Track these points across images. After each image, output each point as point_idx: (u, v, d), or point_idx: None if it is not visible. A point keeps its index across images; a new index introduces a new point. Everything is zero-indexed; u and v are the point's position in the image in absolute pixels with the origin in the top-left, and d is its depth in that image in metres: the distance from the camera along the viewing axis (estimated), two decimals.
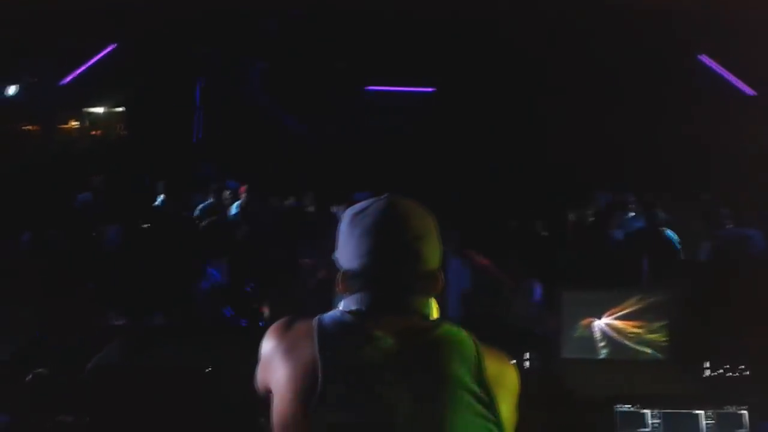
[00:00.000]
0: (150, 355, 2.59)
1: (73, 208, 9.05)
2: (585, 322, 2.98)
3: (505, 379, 1.65)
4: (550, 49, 11.61)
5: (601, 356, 2.97)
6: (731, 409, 2.55)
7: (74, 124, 14.49)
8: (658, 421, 2.55)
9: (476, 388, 1.56)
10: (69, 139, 13.95)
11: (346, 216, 1.76)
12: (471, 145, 12.45)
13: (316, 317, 1.66)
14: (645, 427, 2.55)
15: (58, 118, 13.55)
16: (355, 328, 1.63)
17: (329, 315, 1.68)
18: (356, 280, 1.69)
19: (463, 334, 1.65)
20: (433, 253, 1.71)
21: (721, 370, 2.92)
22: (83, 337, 2.85)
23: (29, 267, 5.12)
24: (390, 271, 1.68)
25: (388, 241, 1.68)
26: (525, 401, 1.66)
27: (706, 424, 2.55)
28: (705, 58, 11.83)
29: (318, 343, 1.58)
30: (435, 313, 1.74)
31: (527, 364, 2.88)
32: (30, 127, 12.93)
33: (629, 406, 2.56)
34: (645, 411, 2.55)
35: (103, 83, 12.29)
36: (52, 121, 13.24)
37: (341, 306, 1.71)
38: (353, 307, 1.68)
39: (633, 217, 9.02)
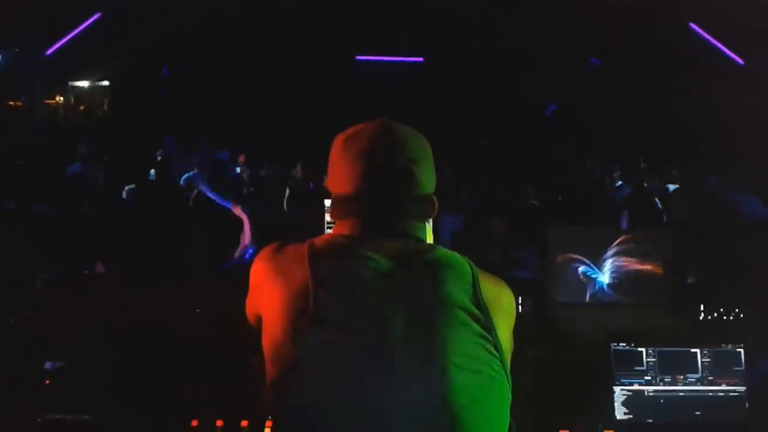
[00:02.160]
0: (137, 300, 2.53)
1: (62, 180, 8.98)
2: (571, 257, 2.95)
3: (502, 302, 1.60)
4: (539, 18, 11.54)
5: (594, 300, 2.94)
6: (728, 347, 2.53)
7: (59, 98, 14.37)
8: (654, 359, 2.52)
9: (473, 308, 1.51)
10: (54, 111, 13.83)
11: (337, 141, 1.69)
12: (460, 116, 12.40)
13: (308, 240, 1.60)
14: (641, 366, 2.52)
15: (44, 89, 13.38)
16: (349, 250, 1.56)
17: (321, 238, 1.63)
18: (349, 204, 1.63)
19: (459, 258, 1.60)
20: (428, 177, 1.66)
21: (716, 314, 2.89)
22: (70, 281, 2.79)
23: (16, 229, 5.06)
24: (384, 194, 1.61)
25: (382, 163, 1.61)
26: (519, 343, 1.62)
27: (703, 362, 2.52)
28: (695, 27, 11.79)
29: (310, 264, 1.52)
30: (430, 239, 1.69)
31: (520, 308, 2.85)
32: (14, 102, 12.79)
33: (625, 344, 2.53)
34: (641, 349, 2.52)
35: (88, 54, 12.13)
36: (38, 92, 13.07)
37: (334, 230, 1.66)
38: (346, 232, 1.62)
39: (620, 186, 9.09)
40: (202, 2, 11.53)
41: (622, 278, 2.97)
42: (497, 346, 1.51)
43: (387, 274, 1.51)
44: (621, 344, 2.53)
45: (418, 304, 1.49)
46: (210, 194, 6.44)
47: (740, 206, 6.55)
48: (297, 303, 1.49)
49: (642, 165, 10.07)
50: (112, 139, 11.27)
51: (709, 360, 2.52)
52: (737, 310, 2.90)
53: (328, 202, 1.72)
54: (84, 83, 14.51)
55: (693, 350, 2.52)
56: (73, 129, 13.06)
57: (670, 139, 10.92)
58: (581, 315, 2.87)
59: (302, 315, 1.46)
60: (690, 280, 3.16)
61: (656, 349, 2.52)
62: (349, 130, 1.69)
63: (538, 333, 2.69)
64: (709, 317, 2.85)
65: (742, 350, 2.53)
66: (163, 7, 11.11)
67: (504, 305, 1.60)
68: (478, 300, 1.52)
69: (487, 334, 1.50)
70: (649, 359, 2.52)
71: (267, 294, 1.57)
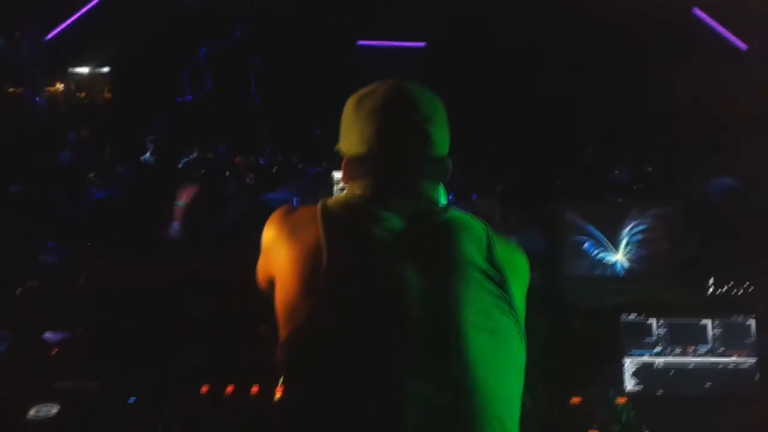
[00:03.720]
0: (143, 266, 2.51)
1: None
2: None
3: (516, 263, 1.58)
4: (541, 4, 11.50)
5: (605, 273, 2.92)
6: (738, 319, 2.51)
7: (59, 85, 14.31)
8: (664, 330, 2.51)
9: (487, 267, 1.49)
10: (54, 98, 13.77)
11: (351, 100, 1.67)
12: (461, 101, 12.34)
13: (320, 201, 1.58)
14: (651, 337, 2.51)
15: (44, 75, 13.33)
16: (362, 209, 1.55)
17: (334, 199, 1.60)
18: (362, 165, 1.61)
19: (473, 219, 1.58)
20: (442, 138, 1.63)
21: (727, 287, 2.87)
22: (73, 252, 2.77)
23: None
24: (398, 153, 1.59)
25: (396, 123, 1.59)
26: (529, 314, 1.60)
27: (713, 333, 2.51)
28: (698, 12, 11.75)
29: (322, 224, 1.50)
30: (444, 200, 1.67)
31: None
32: (14, 89, 12.74)
33: (635, 315, 2.51)
34: (651, 320, 2.51)
35: (88, 40, 12.08)
36: (37, 78, 13.03)
37: (347, 191, 1.64)
38: (359, 192, 1.60)
39: (617, 174, 9.07)
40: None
41: (634, 253, 2.96)
42: (512, 305, 1.50)
43: (401, 233, 1.49)
44: (631, 315, 2.51)
45: (432, 263, 1.47)
46: None
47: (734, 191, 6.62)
48: (309, 261, 1.46)
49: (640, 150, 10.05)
50: (111, 126, 11.24)
51: (719, 331, 2.51)
52: (747, 283, 2.88)
53: (338, 174, 1.68)
54: (84, 69, 14.43)
55: (703, 321, 2.51)
56: (73, 115, 13.04)
57: (671, 123, 10.88)
58: (591, 287, 2.85)
59: (315, 273, 1.44)
60: (694, 253, 3.13)
61: (666, 321, 2.51)
62: (363, 90, 1.66)
63: (548, 304, 2.66)
64: (719, 290, 2.82)
65: (753, 322, 2.51)
66: None
67: (518, 267, 1.58)
68: (492, 260, 1.50)
69: (502, 293, 1.49)
70: (659, 330, 2.51)
71: (279, 254, 1.54)
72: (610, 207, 3.03)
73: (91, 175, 7.89)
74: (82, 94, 14.90)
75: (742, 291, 2.79)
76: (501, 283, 1.49)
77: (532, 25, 11.94)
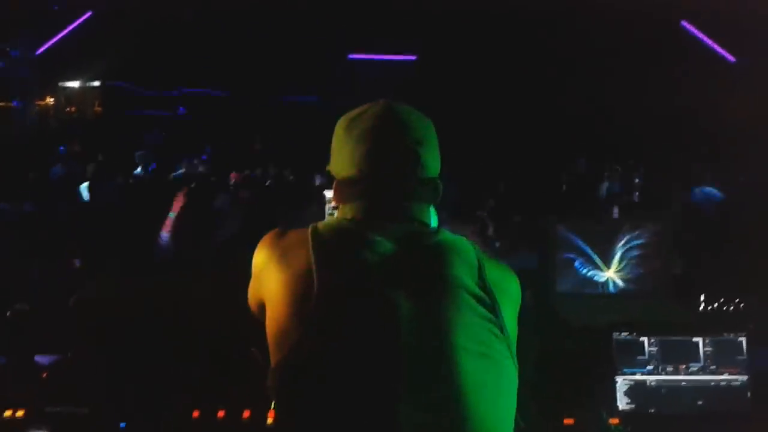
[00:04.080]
0: (134, 288, 2.50)
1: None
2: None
3: (508, 285, 1.58)
4: (532, 17, 11.56)
5: (600, 284, 2.93)
6: (729, 336, 2.52)
7: (50, 99, 14.29)
8: (656, 348, 2.51)
9: (478, 291, 1.48)
10: (45, 112, 13.76)
11: (341, 122, 1.66)
12: (451, 114, 12.38)
13: (311, 225, 1.58)
14: (643, 355, 2.51)
15: (34, 89, 13.32)
16: (352, 233, 1.54)
17: (324, 222, 1.60)
18: (353, 187, 1.60)
19: (465, 242, 1.57)
20: (433, 159, 1.63)
21: (717, 303, 2.88)
22: (65, 271, 2.76)
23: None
24: (389, 176, 1.58)
25: (387, 145, 1.58)
26: (521, 332, 1.60)
27: (705, 351, 2.51)
28: (687, 25, 11.84)
29: (313, 248, 1.49)
30: (434, 222, 1.66)
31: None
32: (5, 103, 12.72)
33: (627, 333, 2.51)
34: (643, 338, 2.51)
35: (79, 54, 12.07)
36: (28, 93, 13.01)
37: (337, 214, 1.63)
38: (349, 215, 1.59)
39: (609, 186, 9.10)
40: (192, 1, 11.49)
41: (626, 270, 2.96)
42: (503, 329, 1.49)
43: (392, 257, 1.49)
44: (623, 334, 2.51)
45: (423, 287, 1.46)
46: None
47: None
48: (300, 286, 1.45)
49: (630, 162, 10.08)
50: (101, 139, 11.23)
51: (711, 349, 2.51)
52: (738, 300, 2.88)
53: (329, 193, 1.68)
54: (75, 84, 14.42)
55: (695, 339, 2.51)
56: (63, 129, 13.02)
57: (660, 137, 10.94)
58: (583, 305, 2.85)
59: (306, 298, 1.43)
60: (680, 270, 3.14)
61: (658, 339, 2.51)
62: (353, 112, 1.65)
63: (540, 323, 2.67)
64: (710, 307, 2.83)
65: (743, 339, 2.52)
66: (153, 7, 11.08)
67: (509, 290, 1.58)
68: (483, 283, 1.50)
69: (493, 317, 1.48)
70: (651, 348, 2.51)
71: (270, 279, 1.53)
72: (602, 224, 3.02)
73: (84, 185, 7.89)
74: (73, 108, 14.88)
75: (732, 308, 2.79)
76: (492, 307, 1.49)
77: (523, 38, 12.02)
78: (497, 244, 5.01)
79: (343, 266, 1.48)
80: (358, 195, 1.60)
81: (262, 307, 1.58)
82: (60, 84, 14.21)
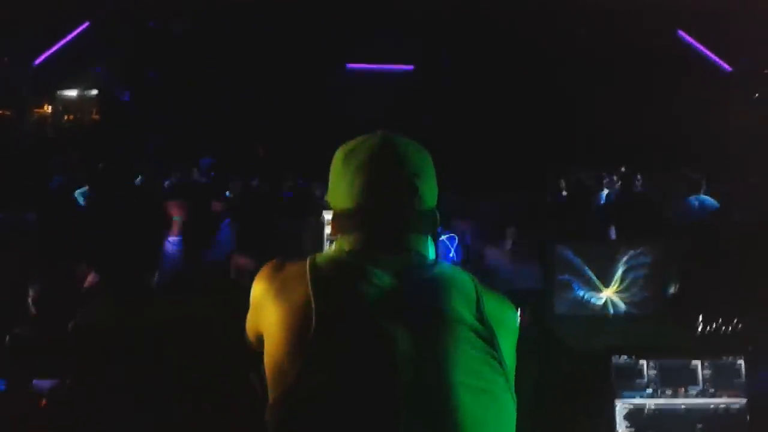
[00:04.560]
0: (135, 313, 2.50)
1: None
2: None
3: (506, 317, 1.59)
4: (527, 27, 11.60)
5: (598, 308, 2.93)
6: (728, 359, 2.52)
7: (47, 107, 14.29)
8: (655, 371, 2.51)
9: (476, 324, 1.49)
10: (42, 122, 13.76)
11: (338, 153, 1.67)
12: (449, 123, 12.42)
13: (309, 257, 1.58)
14: (642, 378, 2.51)
15: (32, 99, 13.32)
16: (350, 266, 1.54)
17: (322, 255, 1.60)
18: (350, 219, 1.60)
19: (462, 273, 1.58)
20: (430, 191, 1.64)
21: (715, 324, 2.89)
22: (64, 296, 2.75)
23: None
24: (387, 208, 1.59)
25: (384, 177, 1.59)
26: (519, 355, 1.60)
27: (703, 374, 2.51)
28: (683, 34, 11.88)
29: (311, 282, 1.50)
30: (432, 253, 1.67)
31: (519, 320, 2.84)
32: (2, 111, 12.72)
33: (626, 357, 2.51)
34: (642, 362, 2.51)
35: (77, 63, 12.08)
36: (26, 102, 13.01)
37: (335, 245, 1.64)
38: (347, 247, 1.60)
39: (607, 194, 9.11)
40: (190, 11, 11.51)
41: (624, 292, 2.96)
42: (502, 363, 1.50)
43: (390, 291, 1.49)
44: (622, 357, 2.52)
45: (421, 321, 1.47)
46: None
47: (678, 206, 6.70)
48: (298, 321, 1.46)
49: (622, 169, 10.09)
50: (99, 149, 11.22)
51: (709, 372, 2.51)
52: (736, 320, 2.89)
53: (328, 215, 1.69)
54: (72, 92, 14.42)
55: (693, 362, 2.51)
56: (60, 138, 13.01)
57: (658, 145, 10.96)
58: (581, 327, 2.86)
59: (304, 334, 1.43)
60: (675, 290, 3.14)
61: (657, 362, 2.51)
62: (350, 144, 1.67)
63: (538, 345, 2.67)
64: (708, 328, 2.84)
65: (742, 362, 2.52)
66: (151, 17, 11.10)
67: (507, 322, 1.59)
68: (481, 316, 1.51)
69: (492, 351, 1.49)
70: (650, 372, 2.51)
71: (268, 312, 1.54)
72: (601, 245, 3.03)
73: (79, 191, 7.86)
74: (70, 117, 14.88)
75: (731, 330, 2.80)
76: (490, 340, 1.49)
77: (519, 49, 12.04)
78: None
79: (341, 301, 1.48)
80: (355, 227, 1.60)
81: (260, 338, 1.59)
82: (57, 93, 14.22)
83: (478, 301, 1.52)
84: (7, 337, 2.46)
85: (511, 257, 4.87)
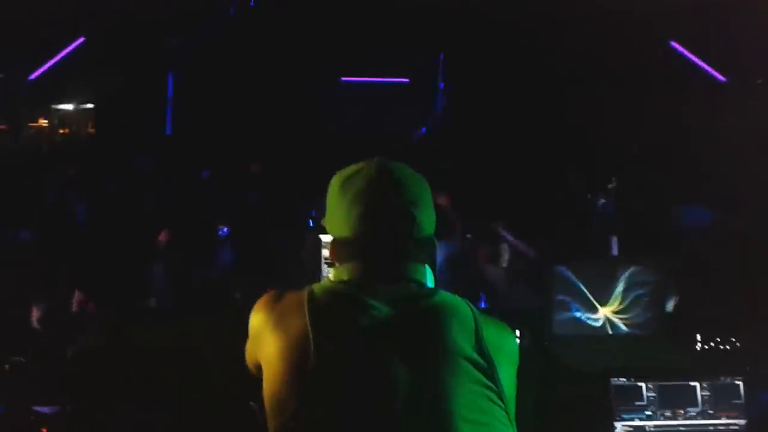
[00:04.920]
0: (132, 338, 2.50)
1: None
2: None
3: (505, 346, 1.59)
4: (522, 40, 11.65)
5: (596, 329, 2.94)
6: (727, 380, 2.53)
7: (43, 121, 14.29)
8: (654, 393, 2.52)
9: (475, 356, 1.49)
10: (38, 136, 13.74)
11: (335, 181, 1.67)
12: (447, 137, 12.47)
13: (306, 288, 1.58)
14: (641, 400, 2.52)
15: (27, 114, 13.31)
16: (348, 298, 1.54)
17: (320, 285, 1.60)
18: (348, 248, 1.61)
19: (461, 302, 1.58)
20: (428, 219, 1.64)
21: (713, 343, 2.90)
22: (60, 322, 2.75)
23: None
24: (384, 237, 1.59)
25: (381, 206, 1.60)
26: (519, 376, 1.61)
27: (702, 395, 2.52)
28: (676, 45, 11.94)
29: (309, 313, 1.50)
30: (431, 282, 1.67)
31: (518, 341, 2.84)
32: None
33: (625, 379, 2.52)
34: (641, 383, 2.52)
35: (72, 78, 12.09)
36: (21, 118, 13.01)
37: (333, 274, 1.64)
38: (345, 277, 1.60)
39: (605, 203, 9.08)
40: (184, 26, 11.54)
41: (623, 311, 2.97)
42: (502, 395, 1.50)
43: (388, 323, 1.50)
44: (621, 379, 2.53)
45: (420, 354, 1.47)
46: None
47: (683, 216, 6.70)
48: (296, 354, 1.46)
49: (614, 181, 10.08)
50: (95, 163, 11.21)
51: (708, 393, 2.52)
52: (734, 339, 2.90)
53: (325, 238, 1.70)
54: (68, 106, 14.43)
55: (692, 384, 2.53)
56: (56, 152, 13.00)
57: (651, 155, 10.99)
58: (579, 348, 2.86)
59: (302, 366, 1.44)
60: (674, 309, 3.15)
61: (656, 384, 2.52)
62: (347, 171, 1.67)
63: (537, 366, 2.67)
64: (707, 348, 2.84)
65: (741, 383, 2.53)
66: (146, 32, 11.13)
67: (507, 350, 1.59)
68: (481, 347, 1.51)
69: (491, 384, 1.49)
70: (649, 394, 2.52)
71: (266, 344, 1.54)
72: (599, 264, 3.04)
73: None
74: (66, 130, 14.88)
75: (729, 350, 2.81)
76: (490, 372, 1.49)
77: (514, 60, 12.09)
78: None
79: (339, 333, 1.49)
80: (353, 256, 1.60)
81: (259, 368, 1.59)
82: (53, 107, 14.22)
83: (477, 331, 1.52)
84: (7, 365, 2.45)
85: (510, 275, 4.86)
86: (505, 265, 5.25)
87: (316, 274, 2.66)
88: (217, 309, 3.34)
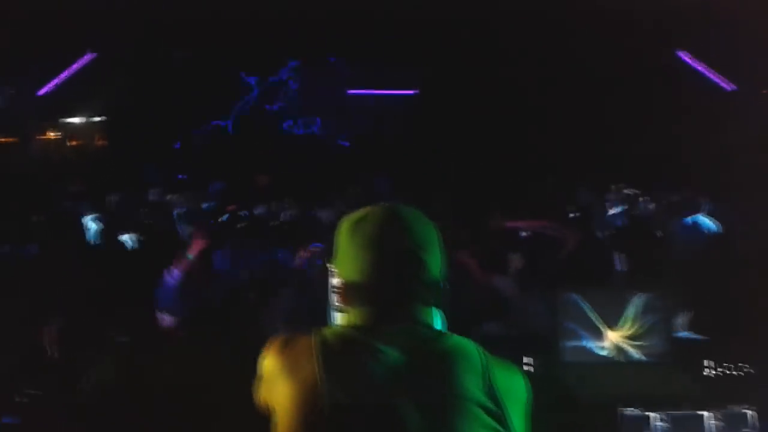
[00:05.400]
0: (145, 370, 2.52)
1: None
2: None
3: (515, 389, 1.60)
4: (530, 48, 11.67)
5: (604, 358, 2.94)
6: (736, 409, 2.53)
7: (52, 134, 14.36)
8: (663, 423, 2.52)
9: (486, 401, 1.51)
10: (47, 149, 13.80)
11: (344, 225, 1.69)
12: (453, 147, 12.47)
13: (317, 332, 1.60)
14: (650, 430, 2.52)
15: (37, 129, 13.38)
16: (358, 343, 1.57)
17: (331, 330, 1.63)
18: (358, 292, 1.63)
19: (471, 345, 1.60)
20: (436, 262, 1.66)
21: (722, 369, 2.89)
22: (74, 353, 2.77)
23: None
24: (393, 282, 1.62)
25: (390, 251, 1.62)
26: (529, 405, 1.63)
27: (713, 425, 2.53)
28: (683, 54, 11.94)
29: (320, 359, 1.52)
30: (440, 324, 1.69)
31: (528, 368, 2.85)
32: (7, 139, 12.78)
33: (634, 408, 2.53)
34: (650, 413, 2.53)
35: (81, 93, 12.16)
36: (31, 133, 13.07)
37: (343, 318, 1.66)
38: (355, 321, 1.62)
39: (610, 215, 9.04)
40: (192, 39, 11.61)
41: (633, 337, 2.96)
42: None
43: (399, 369, 1.51)
44: (630, 409, 2.53)
45: (431, 400, 1.49)
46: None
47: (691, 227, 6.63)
48: (308, 400, 1.48)
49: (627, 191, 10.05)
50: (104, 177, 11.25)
51: (719, 422, 2.52)
52: (747, 368, 2.89)
53: (333, 280, 1.72)
54: (76, 120, 14.51)
55: (703, 413, 2.53)
56: (65, 165, 13.07)
57: (658, 165, 10.97)
58: (590, 376, 2.86)
59: (313, 413, 1.46)
60: (684, 336, 3.15)
61: (665, 413, 2.53)
62: (356, 215, 1.69)
63: (546, 395, 2.67)
64: (717, 376, 2.84)
65: (751, 412, 2.53)
66: (155, 46, 11.20)
67: (517, 393, 1.60)
68: (491, 391, 1.52)
69: (503, 429, 1.50)
70: (658, 423, 2.52)
71: (277, 389, 1.56)
72: (610, 290, 3.04)
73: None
74: (74, 143, 14.94)
75: (739, 379, 2.80)
76: (500, 418, 1.51)
77: (522, 70, 12.10)
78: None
79: (350, 381, 1.51)
80: (363, 300, 1.63)
81: (270, 409, 1.61)
82: (62, 120, 14.30)
83: (487, 375, 1.54)
84: (20, 397, 2.47)
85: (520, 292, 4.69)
86: (514, 270, 5.03)
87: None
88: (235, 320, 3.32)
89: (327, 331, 1.61)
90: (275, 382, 1.57)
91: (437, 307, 1.68)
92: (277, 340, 1.65)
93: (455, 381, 1.51)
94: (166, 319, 3.88)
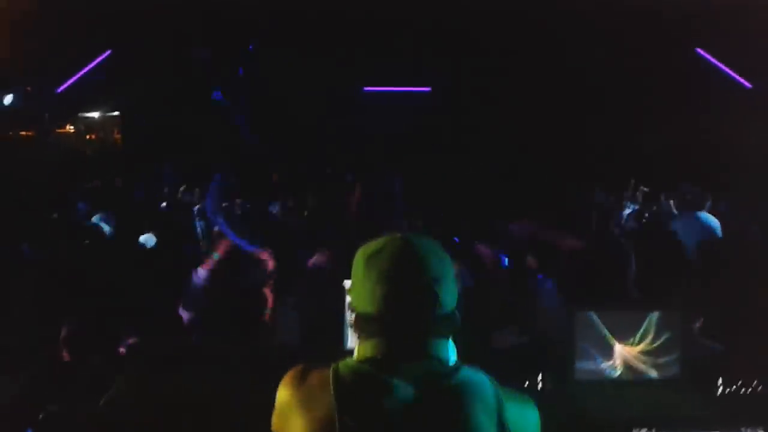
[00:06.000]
0: (169, 385, 2.54)
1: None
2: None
3: (527, 423, 1.64)
4: (546, 45, 11.61)
5: (615, 378, 2.94)
6: (749, 431, 2.54)
7: (70, 128, 14.48)
8: None
9: None
10: (65, 146, 13.91)
11: (360, 257, 1.73)
12: (466, 146, 12.46)
13: (332, 367, 1.64)
14: None
15: (55, 126, 13.50)
16: (372, 378, 1.60)
17: (345, 364, 1.66)
18: (372, 324, 1.66)
19: (483, 379, 1.63)
20: (450, 295, 1.69)
21: (735, 387, 2.89)
22: (95, 366, 2.80)
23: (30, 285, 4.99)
24: (407, 316, 1.65)
25: (405, 285, 1.65)
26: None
27: None
28: (702, 52, 11.84)
29: (335, 395, 1.56)
30: (453, 356, 1.72)
31: (540, 385, 2.86)
32: (26, 133, 12.88)
33: (647, 429, 2.54)
34: None
35: (99, 90, 12.25)
36: (49, 130, 13.18)
37: (357, 351, 1.69)
38: (369, 354, 1.65)
39: (628, 214, 8.98)
40: (209, 37, 11.65)
41: (646, 354, 2.97)
42: None
43: (413, 405, 1.55)
44: (642, 429, 2.54)
45: None
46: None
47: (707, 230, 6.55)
48: None
49: (632, 185, 9.98)
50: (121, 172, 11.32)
51: None
52: (756, 382, 2.89)
53: (350, 315, 1.75)
54: (94, 114, 14.62)
55: None
56: (83, 160, 13.19)
57: (675, 163, 10.90)
58: (601, 393, 2.87)
59: None
60: (698, 353, 3.14)
61: None
62: (371, 246, 1.72)
63: (558, 414, 2.69)
64: (728, 397, 2.84)
65: None
66: (171, 43, 11.25)
67: (529, 425, 1.64)
68: (503, 426, 1.56)
69: None
70: None
71: (292, 422, 1.61)
72: (624, 307, 3.03)
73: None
74: (92, 136, 15.07)
75: (752, 398, 2.81)
76: None
77: (536, 68, 12.05)
78: None
79: (364, 415, 1.54)
80: (377, 332, 1.66)
81: None
82: (80, 115, 14.42)
83: (500, 410, 1.57)
84: (41, 415, 2.50)
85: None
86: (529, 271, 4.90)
87: None
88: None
89: (342, 365, 1.64)
90: (290, 415, 1.62)
91: (450, 337, 1.72)
92: (292, 373, 1.69)
93: (469, 417, 1.54)
94: (191, 321, 3.90)
